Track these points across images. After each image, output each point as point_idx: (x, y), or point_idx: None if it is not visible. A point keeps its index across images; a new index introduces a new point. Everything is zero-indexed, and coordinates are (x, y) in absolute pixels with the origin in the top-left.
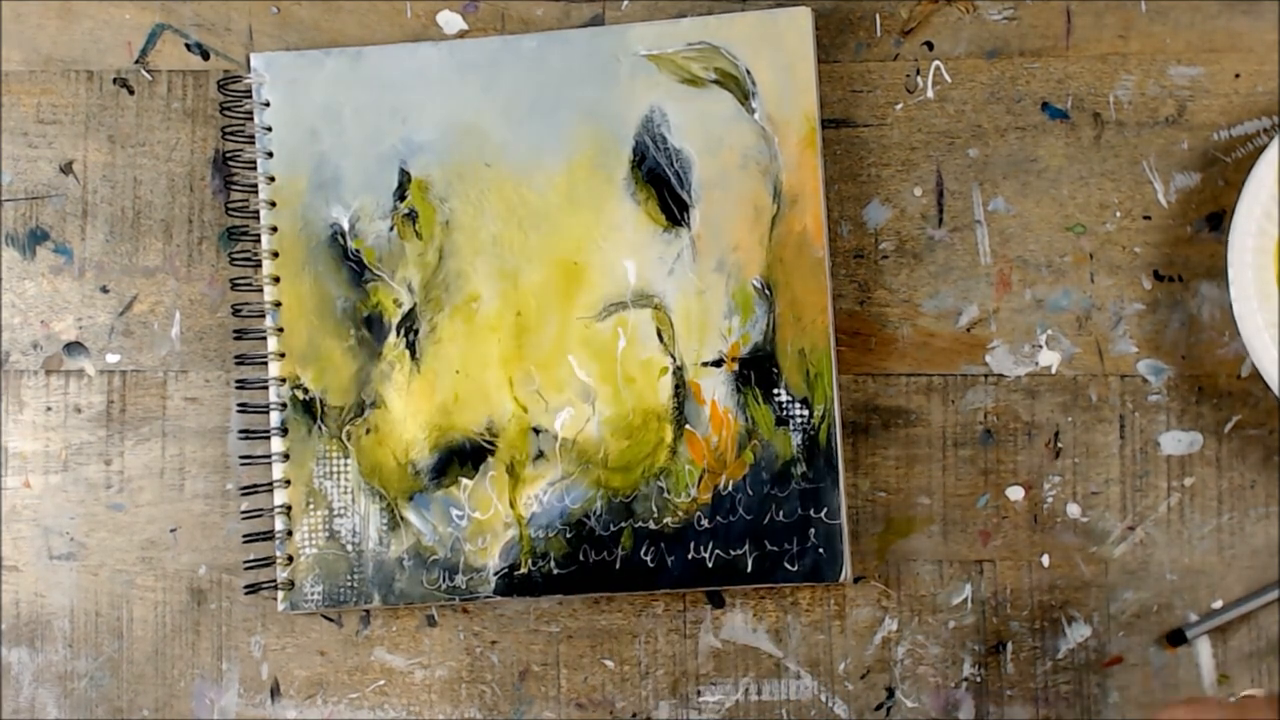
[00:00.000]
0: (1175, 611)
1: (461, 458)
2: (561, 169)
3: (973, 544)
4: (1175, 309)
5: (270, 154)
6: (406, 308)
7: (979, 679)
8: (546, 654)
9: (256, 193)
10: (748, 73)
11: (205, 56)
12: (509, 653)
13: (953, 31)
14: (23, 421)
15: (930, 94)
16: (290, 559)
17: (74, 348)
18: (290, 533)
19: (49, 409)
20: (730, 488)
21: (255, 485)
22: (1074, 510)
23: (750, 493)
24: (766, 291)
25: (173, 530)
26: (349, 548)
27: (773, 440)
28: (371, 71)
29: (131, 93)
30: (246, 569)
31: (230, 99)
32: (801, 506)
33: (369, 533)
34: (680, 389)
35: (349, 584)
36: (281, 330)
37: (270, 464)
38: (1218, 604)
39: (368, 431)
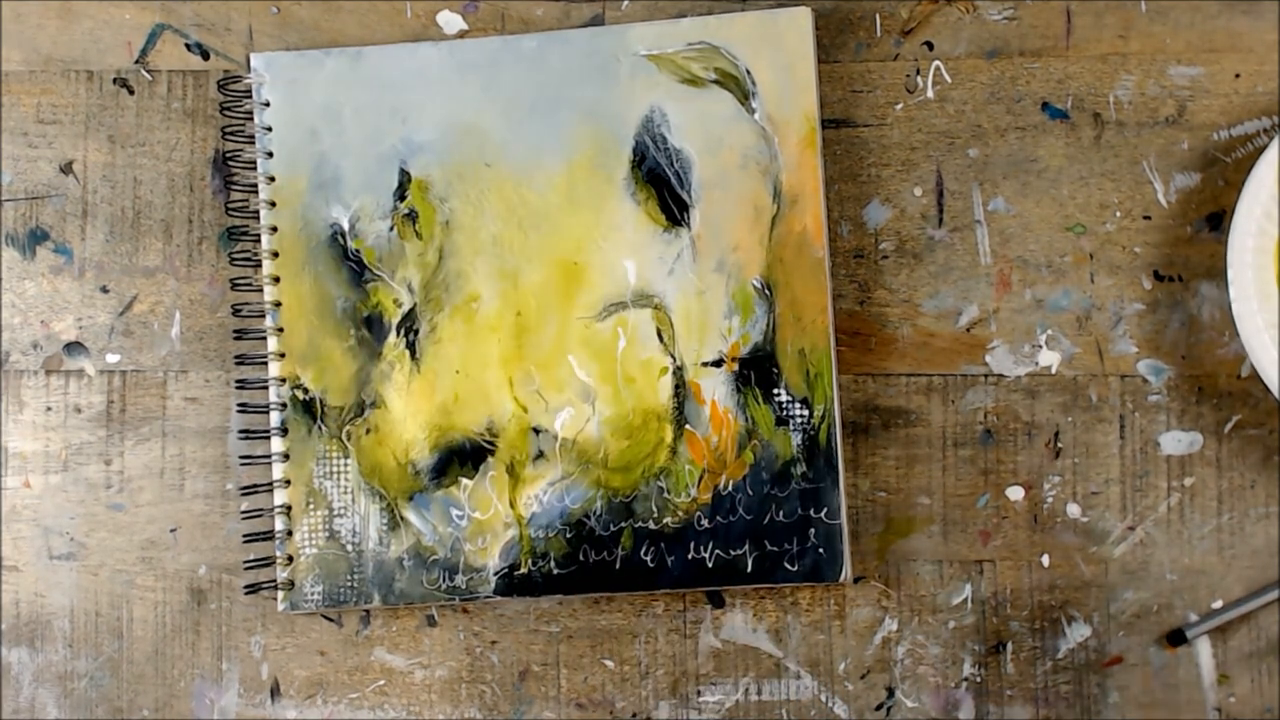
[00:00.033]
0: (1175, 611)
1: (461, 458)
2: (561, 169)
3: (973, 544)
4: (1175, 309)
5: (270, 154)
6: (406, 308)
7: (979, 679)
8: (546, 654)
9: (256, 193)
10: (748, 73)
11: (205, 56)
12: (509, 653)
13: (953, 31)
14: (23, 421)
15: (930, 94)
16: (290, 559)
17: (74, 348)
18: (290, 533)
19: (49, 409)
20: (730, 488)
21: (255, 485)
22: (1074, 510)
23: (750, 493)
24: (766, 291)
25: (173, 530)
26: (349, 548)
27: (773, 440)
28: (371, 71)
29: (131, 93)
30: (246, 569)
31: (230, 99)
32: (801, 506)
33: (369, 533)
34: (680, 389)
35: (349, 584)
36: (281, 330)
37: (270, 464)
38: (1218, 604)
39: (368, 431)
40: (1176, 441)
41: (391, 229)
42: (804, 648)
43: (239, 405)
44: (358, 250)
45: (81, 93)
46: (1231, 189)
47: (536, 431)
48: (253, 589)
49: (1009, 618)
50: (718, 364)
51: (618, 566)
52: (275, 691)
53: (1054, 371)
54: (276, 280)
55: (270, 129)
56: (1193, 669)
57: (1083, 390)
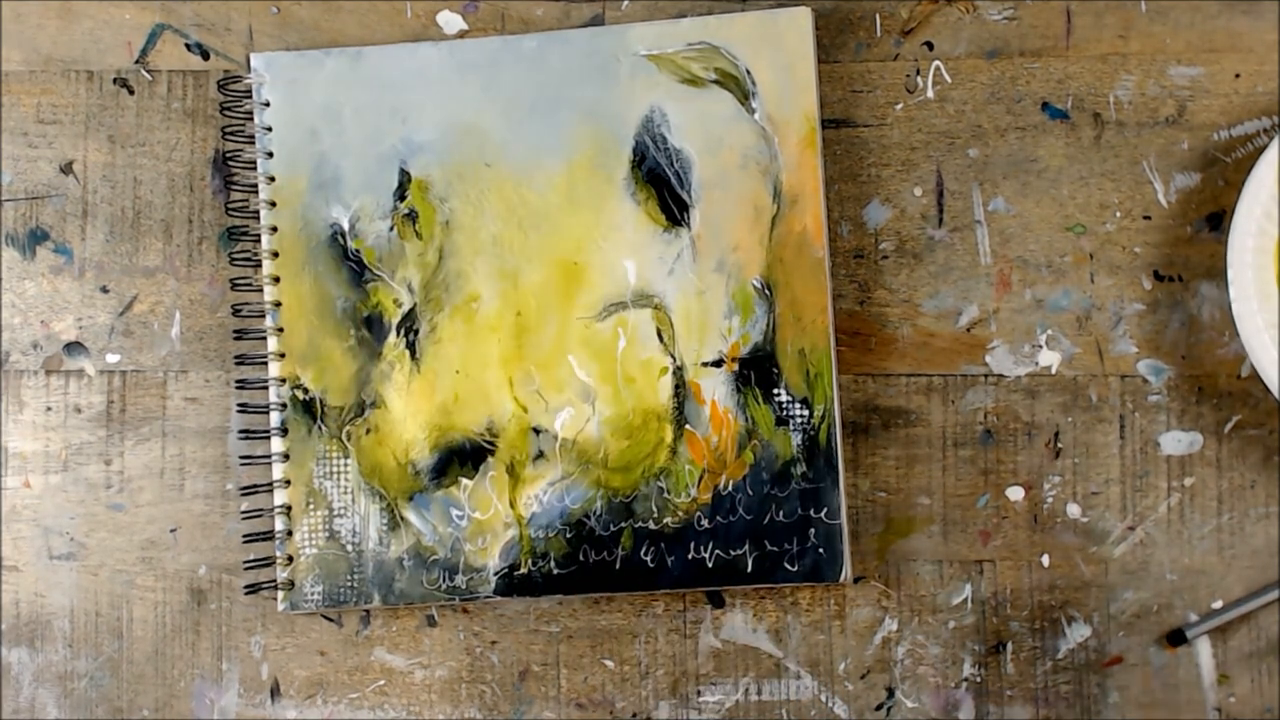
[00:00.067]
0: (1175, 611)
1: (461, 458)
2: (561, 169)
3: (973, 544)
4: (1175, 309)
5: (270, 154)
6: (406, 308)
7: (979, 679)
8: (546, 654)
9: (256, 193)
10: (748, 73)
11: (205, 56)
12: (509, 653)
13: (953, 31)
14: (23, 421)
15: (930, 94)
16: (290, 559)
17: (74, 348)
18: (290, 533)
19: (49, 409)
20: (730, 488)
21: (255, 485)
22: (1074, 510)
23: (750, 493)
24: (766, 291)
25: (173, 530)
26: (349, 548)
27: (773, 440)
28: (371, 71)
29: (131, 93)
30: (246, 569)
31: (230, 99)
32: (801, 506)
33: (369, 533)
34: (680, 389)
35: (349, 584)
36: (281, 330)
37: (270, 464)
38: (1218, 604)
39: (368, 431)
40: (1176, 441)
41: (391, 229)
42: (804, 648)
43: (239, 405)
44: (358, 250)
45: (81, 93)
46: (1231, 189)
47: (536, 431)
48: (253, 589)
49: (1009, 618)
50: (718, 364)
51: (618, 566)
52: (275, 691)
53: (1054, 371)
54: (276, 280)
55: (270, 129)
56: (1193, 669)
57: (1083, 390)
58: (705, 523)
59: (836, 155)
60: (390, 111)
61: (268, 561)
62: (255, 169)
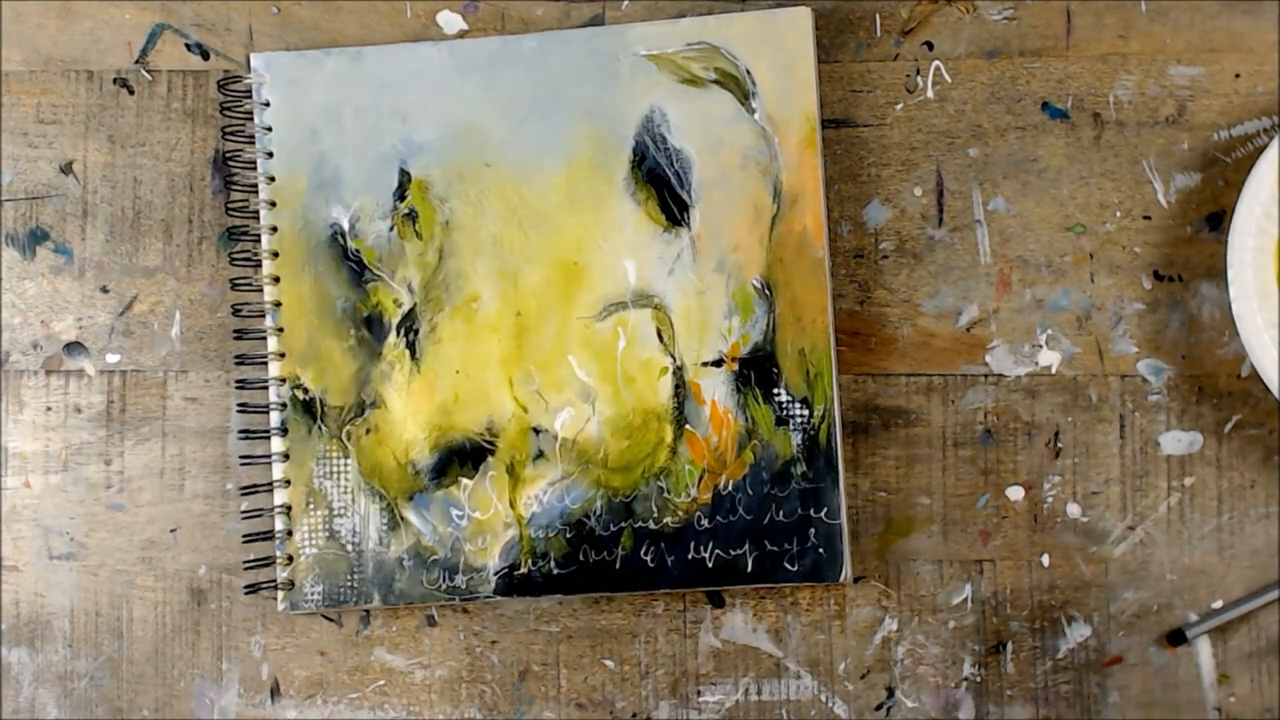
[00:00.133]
0: (1175, 611)
1: (461, 458)
2: (561, 169)
3: (973, 544)
4: (1175, 309)
5: (270, 154)
6: (406, 308)
7: (979, 679)
8: (546, 654)
9: (256, 193)
10: (748, 73)
11: (205, 56)
12: (509, 653)
13: (953, 31)
14: (23, 421)
15: (930, 94)
16: (290, 559)
17: (74, 348)
18: (290, 533)
19: (49, 409)
20: (730, 488)
21: (255, 485)
22: (1074, 510)
23: (750, 493)
24: (766, 291)
25: (173, 530)
26: (349, 548)
27: (773, 440)
28: (371, 71)
29: (131, 93)
30: (246, 569)
31: (230, 99)
32: (801, 506)
33: (369, 533)
34: (680, 389)
35: (349, 584)
36: (281, 330)
37: (270, 464)
38: (1218, 604)
39: (368, 431)
40: (1176, 441)
41: (391, 229)
42: (804, 648)
43: (239, 405)
44: (358, 250)
45: (81, 93)
46: (1231, 189)
47: (536, 431)
48: (253, 589)
49: (1009, 618)
50: (718, 364)
51: (618, 566)
52: (275, 691)
53: (1054, 371)
54: (276, 280)
55: (270, 129)
56: (1193, 669)
57: (1083, 390)
58: (705, 523)
59: (836, 155)
60: (390, 111)
61: (268, 561)
62: (255, 169)
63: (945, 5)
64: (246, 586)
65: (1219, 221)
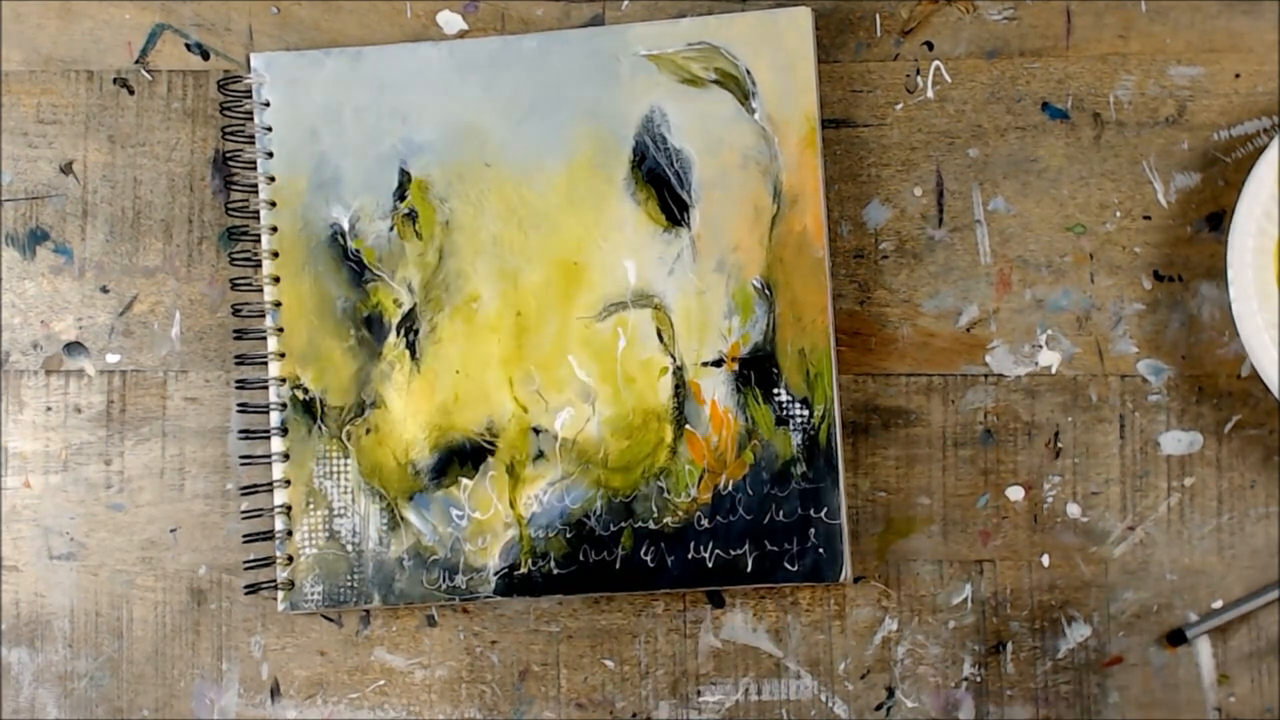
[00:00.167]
0: (1175, 611)
1: (461, 458)
2: (561, 169)
3: (973, 544)
4: (1175, 309)
5: (270, 154)
6: (406, 308)
7: (979, 679)
8: (546, 654)
9: (256, 193)
10: (748, 73)
11: (205, 56)
12: (509, 653)
13: (953, 31)
14: (23, 421)
15: (930, 94)
16: (290, 559)
17: (74, 348)
18: (290, 533)
19: (49, 409)
20: (730, 488)
21: (255, 485)
22: (1074, 510)
23: (750, 493)
24: (766, 291)
25: (173, 530)
26: (349, 548)
27: (773, 440)
28: (371, 71)
29: (131, 93)
30: (246, 569)
31: (230, 99)
32: (801, 506)
33: (369, 533)
34: (680, 389)
35: (349, 584)
36: (281, 330)
37: (270, 464)
38: (1218, 604)
39: (368, 431)
40: (1176, 441)
41: (391, 229)
42: (804, 648)
43: (239, 405)
44: (358, 250)
45: (81, 93)
46: (1231, 189)
47: (536, 431)
48: (253, 589)
49: (1009, 618)
50: (718, 364)
51: (618, 566)
52: (275, 691)
53: (1054, 371)
54: (276, 280)
55: (270, 129)
56: (1193, 669)
57: (1083, 390)
58: (705, 523)
59: (836, 155)
60: (390, 111)
61: (268, 561)
62: (255, 169)
63: (945, 5)
64: (246, 586)
65: (1219, 221)
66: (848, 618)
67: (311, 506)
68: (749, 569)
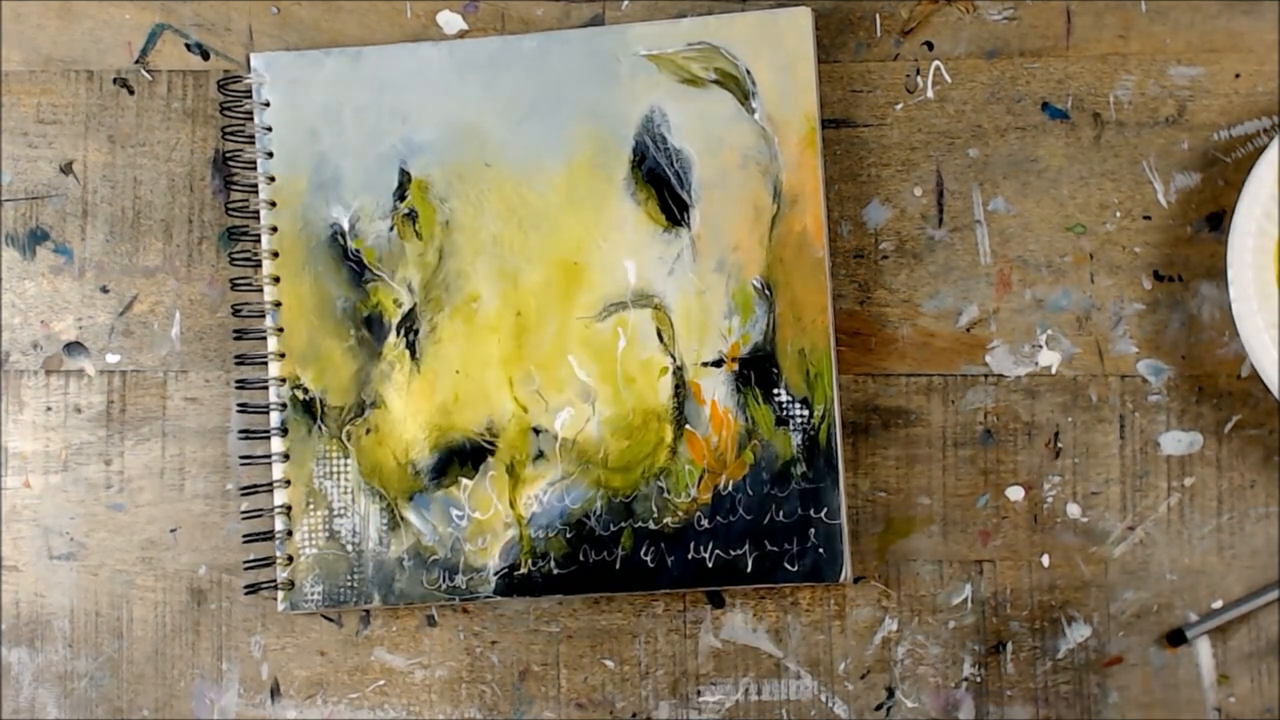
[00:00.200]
0: (1175, 611)
1: (461, 458)
2: (561, 169)
3: (973, 544)
4: (1175, 309)
5: (270, 154)
6: (406, 308)
7: (979, 679)
8: (546, 654)
9: (256, 193)
10: (748, 73)
11: (205, 56)
12: (509, 653)
13: (953, 31)
14: (23, 421)
15: (930, 94)
16: (290, 559)
17: (74, 348)
18: (290, 533)
19: (49, 409)
20: (730, 488)
21: (255, 485)
22: (1074, 510)
23: (750, 493)
24: (766, 291)
25: (173, 530)
26: (349, 548)
27: (773, 440)
28: (371, 71)
29: (131, 93)
30: (246, 569)
31: (230, 99)
32: (801, 506)
33: (369, 533)
34: (680, 389)
35: (349, 584)
36: (281, 330)
37: (270, 464)
38: (1218, 604)
39: (368, 431)
40: (1176, 441)
41: (391, 229)
42: (804, 648)
43: (239, 405)
44: (358, 250)
45: (81, 93)
46: (1231, 189)
47: (536, 431)
48: (253, 589)
49: (1009, 618)
50: (718, 364)
51: (618, 566)
52: (275, 691)
53: (1054, 371)
54: (276, 280)
55: (270, 129)
56: (1193, 669)
57: (1083, 390)
58: (705, 523)
59: (836, 155)
60: (390, 111)
61: (268, 561)
62: (255, 169)
63: (945, 5)
64: (246, 586)
65: (1219, 221)
66: (848, 618)
67: (311, 506)
68: (749, 569)
